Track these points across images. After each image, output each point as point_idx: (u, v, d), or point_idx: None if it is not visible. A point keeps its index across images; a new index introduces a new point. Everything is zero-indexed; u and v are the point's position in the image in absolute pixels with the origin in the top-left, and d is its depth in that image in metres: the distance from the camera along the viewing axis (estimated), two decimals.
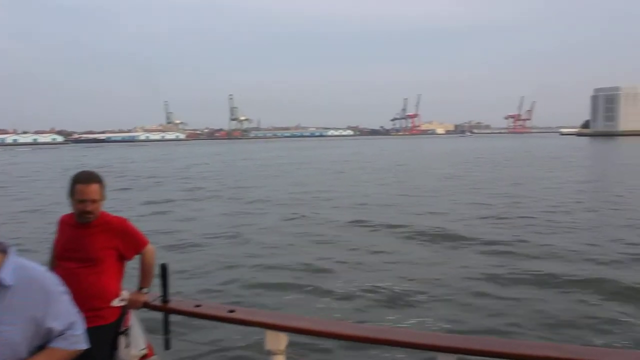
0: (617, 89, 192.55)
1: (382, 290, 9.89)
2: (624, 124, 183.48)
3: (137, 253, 3.77)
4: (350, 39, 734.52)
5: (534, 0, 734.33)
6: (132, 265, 3.87)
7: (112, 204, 22.57)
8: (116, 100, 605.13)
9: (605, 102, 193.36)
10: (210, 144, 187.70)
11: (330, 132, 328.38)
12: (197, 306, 3.62)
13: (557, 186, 27.78)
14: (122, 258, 3.73)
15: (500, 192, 25.58)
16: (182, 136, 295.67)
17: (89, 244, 3.56)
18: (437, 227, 16.01)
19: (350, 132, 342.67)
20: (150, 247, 3.81)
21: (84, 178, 3.55)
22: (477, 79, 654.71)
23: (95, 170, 3.77)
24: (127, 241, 3.68)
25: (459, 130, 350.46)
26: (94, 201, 3.52)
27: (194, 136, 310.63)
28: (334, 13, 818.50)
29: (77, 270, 3.50)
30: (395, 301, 9.38)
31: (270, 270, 11.58)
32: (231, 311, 3.46)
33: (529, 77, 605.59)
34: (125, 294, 3.69)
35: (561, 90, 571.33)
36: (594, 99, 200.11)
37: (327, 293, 9.92)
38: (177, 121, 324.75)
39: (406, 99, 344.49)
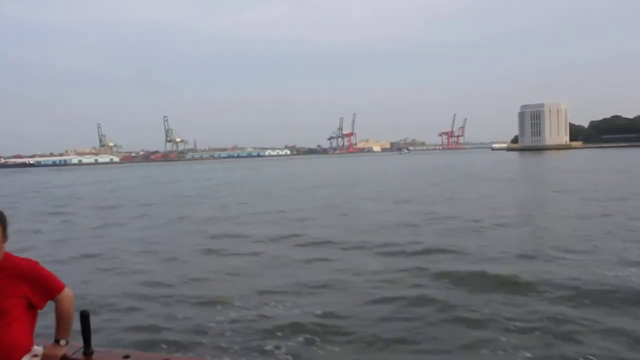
0: (541, 105, 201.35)
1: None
2: (549, 139, 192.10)
3: (49, 300, 3.22)
4: (287, 59, 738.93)
5: (463, 27, 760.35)
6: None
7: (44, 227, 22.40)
8: (47, 122, 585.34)
9: (532, 118, 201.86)
10: (145, 166, 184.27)
11: (267, 152, 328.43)
12: (126, 357, 3.16)
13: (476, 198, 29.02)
14: (33, 307, 3.19)
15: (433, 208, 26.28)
16: (116, 159, 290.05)
17: None
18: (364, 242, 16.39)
19: (287, 151, 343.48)
20: (67, 293, 3.24)
21: None
22: (411, 97, 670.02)
23: None
24: (37, 288, 3.13)
25: (395, 147, 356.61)
26: None
27: (129, 159, 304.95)
28: (270, 33, 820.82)
29: None
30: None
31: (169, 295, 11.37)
32: None
33: (461, 94, 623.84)
34: (38, 349, 3.16)
35: (492, 107, 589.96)
36: (521, 115, 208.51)
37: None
38: (111, 144, 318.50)
39: (342, 118, 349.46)
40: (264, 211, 27.16)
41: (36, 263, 3.21)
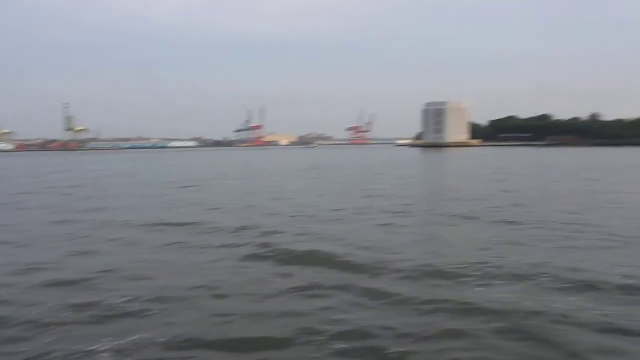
0: (444, 103, 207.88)
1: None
2: (450, 136, 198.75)
3: None
4: (193, 49, 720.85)
5: (377, 26, 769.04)
6: None
7: None
8: None
9: (435, 115, 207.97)
10: (40, 155, 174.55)
11: (173, 144, 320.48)
12: None
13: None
14: None
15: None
16: (10, 147, 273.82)
17: None
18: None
19: (193, 143, 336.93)
20: None
21: None
22: (322, 92, 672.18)
23: None
24: None
25: (303, 141, 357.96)
26: None
27: (24, 147, 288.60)
28: (176, 18, 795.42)
29: None
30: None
31: None
32: None
33: (371, 91, 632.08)
34: None
35: (399, 104, 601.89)
36: (425, 112, 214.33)
37: None
38: (6, 130, 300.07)
39: (251, 110, 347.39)
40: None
41: None
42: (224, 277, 11.51)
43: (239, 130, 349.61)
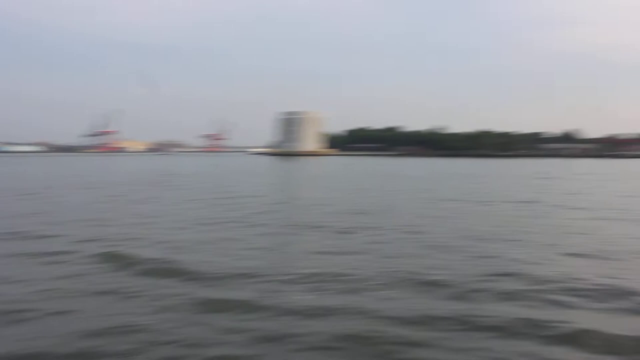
0: (298, 113, 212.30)
1: None
2: (303, 145, 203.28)
3: None
4: (47, 49, 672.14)
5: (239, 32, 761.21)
6: None
7: None
8: None
9: (289, 124, 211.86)
10: None
11: (14, 147, 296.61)
12: None
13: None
14: None
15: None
16: None
17: None
18: None
19: (38, 147, 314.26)
20: None
21: None
22: (179, 97, 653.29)
23: None
24: None
25: (157, 148, 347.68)
26: None
27: None
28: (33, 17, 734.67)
29: None
30: None
31: None
32: None
33: (230, 99, 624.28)
34: None
35: (256, 112, 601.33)
36: (280, 121, 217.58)
37: None
38: None
39: (102, 115, 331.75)
40: None
41: None
42: (47, 294, 10.84)
43: (88, 135, 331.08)
